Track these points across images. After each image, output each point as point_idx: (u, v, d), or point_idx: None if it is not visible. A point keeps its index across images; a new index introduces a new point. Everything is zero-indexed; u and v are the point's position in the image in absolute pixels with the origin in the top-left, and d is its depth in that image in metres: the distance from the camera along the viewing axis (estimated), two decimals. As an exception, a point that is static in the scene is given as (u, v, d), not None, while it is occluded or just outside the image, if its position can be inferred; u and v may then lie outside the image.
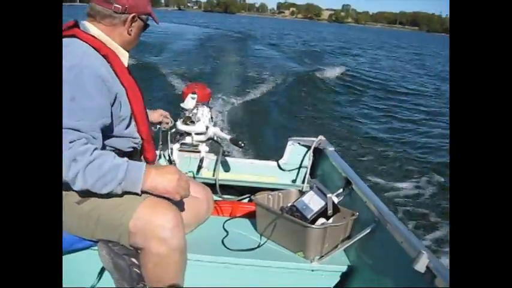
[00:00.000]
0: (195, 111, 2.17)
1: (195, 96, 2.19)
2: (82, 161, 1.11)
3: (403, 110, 9.18)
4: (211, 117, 2.24)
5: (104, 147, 1.31)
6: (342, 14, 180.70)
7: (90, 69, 1.19)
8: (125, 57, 1.39)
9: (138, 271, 1.32)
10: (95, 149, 1.16)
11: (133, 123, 1.38)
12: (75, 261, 1.38)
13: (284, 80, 10.43)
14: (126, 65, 1.39)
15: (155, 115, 1.93)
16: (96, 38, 1.31)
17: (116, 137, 1.34)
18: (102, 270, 1.39)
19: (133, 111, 1.36)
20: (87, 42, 1.27)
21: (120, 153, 1.36)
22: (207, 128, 2.17)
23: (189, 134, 2.22)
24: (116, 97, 1.27)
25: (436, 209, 3.88)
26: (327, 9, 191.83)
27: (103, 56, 1.28)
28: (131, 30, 1.36)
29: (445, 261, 2.87)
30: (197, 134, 2.21)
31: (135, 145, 1.42)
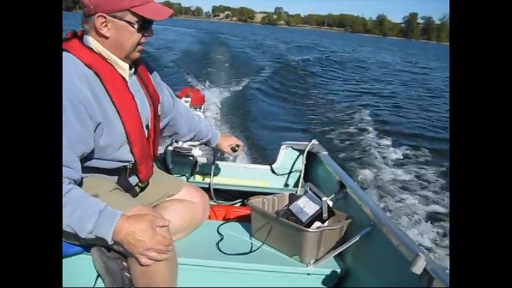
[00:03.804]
0: None
1: (189, 100, 2.19)
2: None
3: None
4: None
5: (88, 168, 1.27)
6: (274, 16, 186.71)
7: (69, 94, 1.11)
8: (124, 71, 1.28)
9: (129, 275, 1.30)
10: (70, 188, 1.12)
11: (125, 144, 1.30)
12: (69, 266, 1.36)
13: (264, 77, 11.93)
14: (128, 78, 1.29)
15: (225, 143, 1.87)
16: (93, 51, 1.23)
17: (103, 159, 1.28)
18: (98, 276, 1.37)
19: (127, 132, 1.27)
20: (79, 58, 1.18)
21: (106, 172, 1.31)
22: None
23: None
24: (100, 122, 1.20)
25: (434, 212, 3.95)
26: (260, 12, 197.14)
27: (95, 73, 1.20)
28: (107, 32, 1.21)
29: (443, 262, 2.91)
30: None
31: (124, 165, 1.35)
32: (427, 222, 3.63)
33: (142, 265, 1.19)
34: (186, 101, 2.17)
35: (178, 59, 13.90)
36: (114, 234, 1.13)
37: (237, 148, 1.94)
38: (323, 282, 1.51)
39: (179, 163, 2.22)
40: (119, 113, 1.24)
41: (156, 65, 11.46)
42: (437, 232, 3.45)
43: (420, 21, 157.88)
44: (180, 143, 2.21)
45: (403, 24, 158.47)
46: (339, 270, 1.50)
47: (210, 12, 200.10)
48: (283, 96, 9.80)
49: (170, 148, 2.20)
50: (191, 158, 2.22)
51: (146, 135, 1.39)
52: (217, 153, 2.20)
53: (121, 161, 1.33)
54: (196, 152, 2.22)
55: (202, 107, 2.31)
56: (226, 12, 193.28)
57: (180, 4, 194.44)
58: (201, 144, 1.96)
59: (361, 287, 1.44)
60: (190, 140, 1.83)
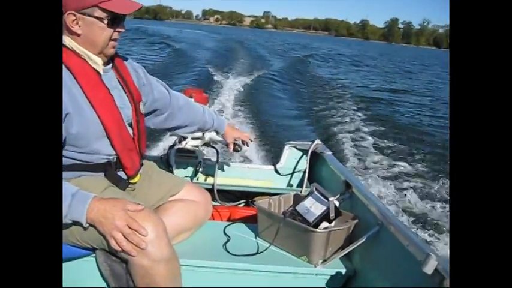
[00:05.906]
0: None
1: (192, 100, 2.18)
2: None
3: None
4: None
5: (74, 165, 1.28)
6: (263, 20, 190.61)
7: None
8: (97, 64, 1.29)
9: None
10: None
11: (104, 137, 1.30)
12: (74, 269, 1.35)
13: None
14: (101, 72, 1.30)
15: (230, 134, 1.85)
16: (66, 47, 1.24)
17: (83, 153, 1.28)
18: (103, 279, 1.36)
19: (104, 124, 1.28)
20: None
21: (92, 167, 1.31)
22: (203, 133, 2.15)
23: (185, 138, 2.21)
24: (69, 112, 1.20)
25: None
26: (249, 16, 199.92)
27: (67, 67, 1.21)
28: (79, 30, 1.23)
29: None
30: (193, 139, 2.19)
31: (107, 160, 1.34)
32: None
33: (111, 246, 1.18)
34: None
35: (203, 54, 17.59)
36: (88, 215, 1.15)
37: (239, 149, 1.94)
38: (331, 283, 1.50)
39: (183, 164, 2.21)
40: (92, 103, 1.25)
41: (186, 59, 14.11)
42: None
43: (401, 26, 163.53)
44: (183, 144, 2.21)
45: (385, 29, 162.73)
46: (347, 270, 1.50)
47: (200, 15, 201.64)
48: (291, 90, 10.94)
49: (174, 149, 2.19)
50: (195, 158, 2.21)
51: (131, 133, 1.40)
52: (220, 154, 2.20)
53: (102, 154, 1.33)
54: (200, 153, 2.22)
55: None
56: (216, 16, 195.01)
57: (171, 8, 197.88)
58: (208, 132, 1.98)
59: (369, 287, 1.44)
60: (197, 131, 1.87)
